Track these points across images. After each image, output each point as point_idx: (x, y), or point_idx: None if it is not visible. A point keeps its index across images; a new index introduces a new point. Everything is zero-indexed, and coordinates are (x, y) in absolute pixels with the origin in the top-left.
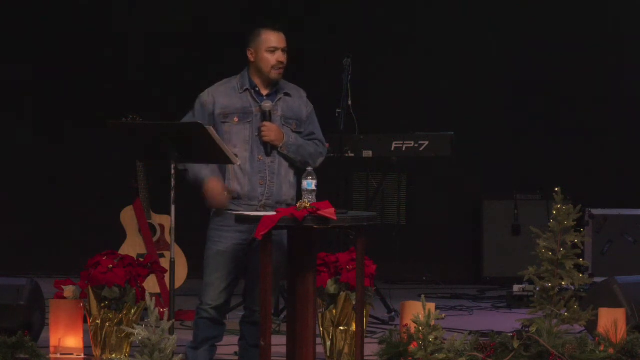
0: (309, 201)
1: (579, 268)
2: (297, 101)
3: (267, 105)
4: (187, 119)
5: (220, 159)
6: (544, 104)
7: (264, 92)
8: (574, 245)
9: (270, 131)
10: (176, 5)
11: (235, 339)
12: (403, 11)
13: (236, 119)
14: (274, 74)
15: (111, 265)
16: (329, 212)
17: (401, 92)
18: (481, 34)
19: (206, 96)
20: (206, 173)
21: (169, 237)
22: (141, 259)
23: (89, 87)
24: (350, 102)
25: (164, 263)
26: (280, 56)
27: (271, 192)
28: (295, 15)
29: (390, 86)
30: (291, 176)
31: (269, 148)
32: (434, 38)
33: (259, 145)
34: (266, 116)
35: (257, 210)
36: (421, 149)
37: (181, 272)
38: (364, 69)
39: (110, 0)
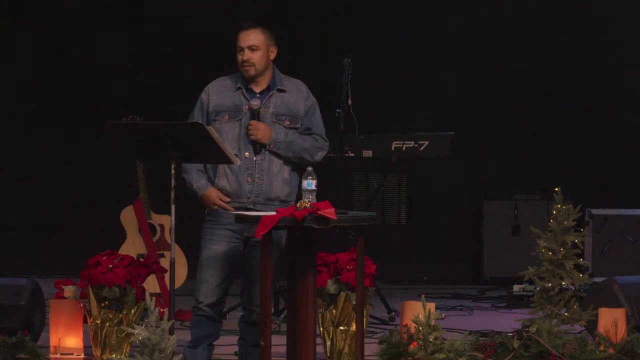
0: (309, 201)
1: (579, 268)
2: (294, 96)
3: (255, 103)
4: (191, 115)
5: (221, 159)
6: (544, 104)
7: (257, 89)
8: (574, 245)
9: (257, 130)
10: (178, 3)
11: (234, 339)
12: (403, 11)
13: (227, 117)
14: (244, 72)
15: (111, 265)
16: (329, 212)
17: (401, 92)
18: (481, 34)
19: (204, 94)
20: (199, 185)
21: (169, 237)
22: (141, 259)
23: (89, 87)
24: (350, 102)
25: (164, 263)
26: (244, 55)
27: (260, 189)
28: (296, 15)
29: (390, 86)
30: (286, 173)
31: (257, 146)
32: (434, 38)
33: (247, 143)
34: (254, 114)
35: (246, 207)
36: (421, 149)
37: (181, 272)
38: (364, 69)
39: None
